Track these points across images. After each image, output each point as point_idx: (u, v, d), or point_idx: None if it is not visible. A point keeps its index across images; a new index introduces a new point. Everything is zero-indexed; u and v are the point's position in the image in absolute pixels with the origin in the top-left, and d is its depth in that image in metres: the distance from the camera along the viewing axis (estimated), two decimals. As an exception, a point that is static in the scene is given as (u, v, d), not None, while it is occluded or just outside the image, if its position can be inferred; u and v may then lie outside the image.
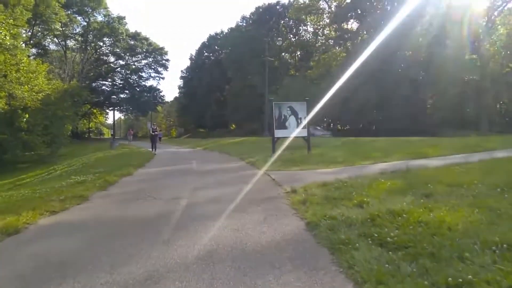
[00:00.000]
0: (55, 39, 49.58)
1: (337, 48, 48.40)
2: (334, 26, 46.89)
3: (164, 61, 56.89)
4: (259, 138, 28.18)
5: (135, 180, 9.38)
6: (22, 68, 25.96)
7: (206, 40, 64.46)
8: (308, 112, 13.62)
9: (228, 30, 58.26)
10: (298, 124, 13.55)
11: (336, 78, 46.80)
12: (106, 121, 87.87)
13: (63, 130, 28.23)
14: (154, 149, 19.67)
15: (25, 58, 29.13)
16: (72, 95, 30.71)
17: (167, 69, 60.35)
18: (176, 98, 76.52)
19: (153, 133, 20.61)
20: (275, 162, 11.67)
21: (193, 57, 66.33)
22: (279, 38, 50.13)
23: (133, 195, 7.09)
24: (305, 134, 13.71)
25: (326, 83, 48.66)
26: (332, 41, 49.63)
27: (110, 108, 57.66)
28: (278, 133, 13.37)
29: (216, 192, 7.23)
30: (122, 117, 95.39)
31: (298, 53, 53.98)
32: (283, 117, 13.42)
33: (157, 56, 55.58)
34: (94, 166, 13.69)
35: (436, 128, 35.52)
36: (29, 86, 27.03)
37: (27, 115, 25.05)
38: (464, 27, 33.99)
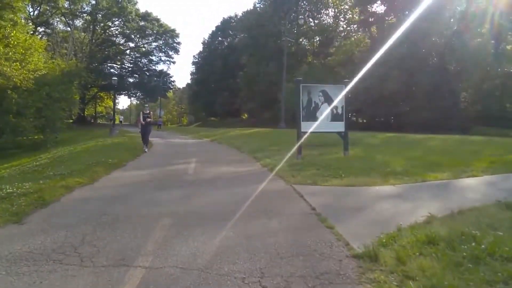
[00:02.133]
0: (62, 17, 46.36)
1: (360, 33, 44.05)
2: (358, 9, 42.47)
3: (175, 44, 53.16)
4: (274, 130, 24.42)
5: (85, 197, 5.87)
6: (11, 42, 22.70)
7: (220, 23, 60.52)
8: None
9: (243, 13, 54.15)
10: (332, 115, 9.89)
11: (358, 66, 42.79)
12: (117, 106, 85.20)
13: (59, 114, 24.98)
14: (145, 145, 13.19)
15: (20, 34, 25.99)
16: (70, 75, 27.40)
17: (178, 53, 56.60)
18: (188, 84, 73.02)
19: (145, 121, 13.02)
20: (303, 168, 8.11)
21: (206, 41, 62.54)
22: (298, 20, 45.77)
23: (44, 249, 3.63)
24: (341, 128, 10.04)
25: (347, 71, 44.51)
26: (355, 25, 45.25)
27: (119, 92, 54.54)
28: (306, 126, 9.71)
29: (207, 248, 3.63)
30: (134, 103, 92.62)
31: (317, 38, 49.68)
32: (313, 104, 9.76)
33: (168, 39, 51.84)
34: (66, 161, 10.33)
35: (469, 124, 31.43)
36: (21, 63, 23.85)
37: (15, 96, 21.86)
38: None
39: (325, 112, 9.82)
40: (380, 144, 13.06)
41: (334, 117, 9.91)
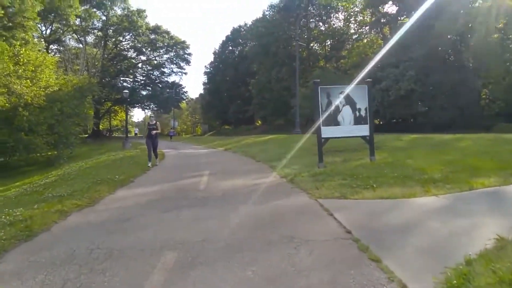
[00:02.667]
0: (74, 35, 46.80)
1: (372, 33, 42.96)
2: (370, 10, 41.44)
3: (186, 55, 52.96)
4: (289, 136, 23.38)
5: (80, 224, 5.11)
6: (21, 60, 22.57)
7: (230, 33, 60.24)
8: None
9: (252, 22, 53.68)
10: (355, 118, 8.96)
11: (372, 67, 41.62)
12: (131, 119, 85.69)
13: (72, 129, 24.70)
14: (149, 159, 11.82)
15: (31, 52, 25.99)
16: (82, 91, 27.19)
17: (190, 64, 56.29)
18: (200, 94, 72.85)
19: (150, 130, 12.00)
20: (327, 178, 7.19)
21: (216, 51, 62.33)
22: (309, 23, 44.93)
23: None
24: (366, 132, 9.08)
25: (361, 74, 43.37)
26: (367, 27, 44.15)
27: (133, 105, 54.60)
28: (327, 131, 8.80)
29: None
30: (148, 114, 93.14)
31: (328, 42, 48.76)
32: (333, 107, 8.85)
33: (179, 50, 51.68)
34: (72, 178, 9.66)
35: (492, 121, 29.89)
36: (32, 81, 23.73)
37: (26, 113, 21.65)
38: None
39: (347, 115, 8.90)
40: (407, 146, 11.98)
41: (357, 120, 8.97)
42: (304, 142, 16.68)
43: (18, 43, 27.62)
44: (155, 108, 53.72)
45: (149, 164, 11.59)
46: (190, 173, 9.81)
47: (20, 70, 21.90)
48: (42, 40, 45.23)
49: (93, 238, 4.19)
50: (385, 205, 5.14)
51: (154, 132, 11.81)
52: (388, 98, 36.22)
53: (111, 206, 6.06)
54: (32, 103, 23.18)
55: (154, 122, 12.09)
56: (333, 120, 8.87)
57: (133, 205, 6.00)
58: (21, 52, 23.24)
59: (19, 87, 21.66)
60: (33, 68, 24.81)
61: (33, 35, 33.54)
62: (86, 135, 45.19)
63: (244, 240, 3.90)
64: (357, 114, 8.99)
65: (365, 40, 45.03)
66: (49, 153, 25.04)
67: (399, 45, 38.71)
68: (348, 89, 9.01)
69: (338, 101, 8.86)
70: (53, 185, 9.06)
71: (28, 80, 22.98)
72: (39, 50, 29.18)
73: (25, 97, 22.04)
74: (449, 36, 36.21)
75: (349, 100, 8.93)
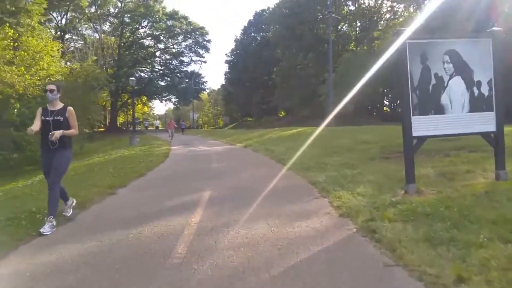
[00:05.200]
0: (90, 24, 44.04)
1: (411, 9, 37.53)
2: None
3: (205, 42, 49.11)
4: (321, 130, 18.74)
5: None
6: (7, 44, 19.29)
7: (252, 18, 55.85)
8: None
9: (275, 5, 48.98)
10: (472, 100, 4.79)
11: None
12: (152, 111, 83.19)
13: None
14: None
15: (30, 38, 22.96)
16: (87, 79, 23.91)
17: (209, 51, 52.13)
18: (222, 85, 68.98)
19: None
20: (436, 223, 3.13)
21: (238, 38, 58.14)
22: (338, 3, 40.04)
23: None
24: (490, 125, 4.87)
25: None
26: (403, 5, 38.78)
27: (151, 97, 51.56)
28: (422, 124, 4.66)
29: None
30: (170, 107, 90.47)
31: (358, 23, 43.64)
32: (433, 80, 4.69)
33: (197, 37, 47.89)
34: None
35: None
36: (28, 69, 20.65)
37: (18, 105, 18.54)
38: None
39: (458, 93, 4.73)
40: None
41: (476, 103, 4.78)
42: (346, 137, 12.50)
43: (23, 30, 24.74)
44: (174, 99, 50.39)
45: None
46: (184, 196, 5.78)
47: (7, 56, 18.72)
48: (58, 30, 42.75)
49: None
50: None
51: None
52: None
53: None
54: (26, 93, 20.08)
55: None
56: (433, 104, 4.70)
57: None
58: (22, 38, 20.24)
59: (8, 75, 18.52)
60: (31, 55, 21.77)
61: (40, 21, 30.46)
62: (102, 129, 42.58)
63: None
64: (476, 92, 4.79)
65: (400, 19, 39.71)
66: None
67: (442, 20, 33.28)
68: (459, 44, 4.80)
69: (442, 67, 4.69)
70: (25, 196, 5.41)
71: (22, 68, 19.88)
72: (43, 37, 26.00)
73: (16, 86, 18.90)
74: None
75: (461, 66, 4.74)
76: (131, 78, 21.50)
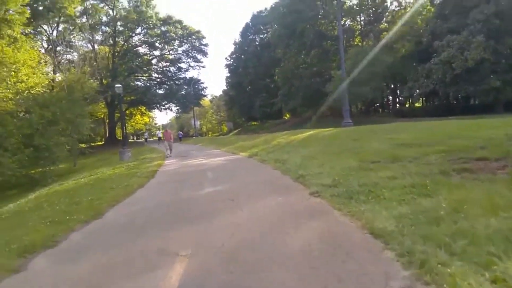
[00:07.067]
0: (82, 34, 41.76)
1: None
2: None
3: (202, 46, 46.42)
4: (341, 131, 15.56)
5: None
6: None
7: (249, 20, 53.42)
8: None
9: (273, 4, 46.37)
10: None
11: (424, 38, 33.49)
12: (153, 122, 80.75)
13: (56, 139, 18.84)
14: None
15: (5, 48, 20.58)
16: (71, 90, 21.35)
17: (207, 56, 49.07)
18: (224, 90, 66.35)
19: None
20: None
21: (237, 41, 55.69)
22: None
23: None
24: None
25: (410, 46, 35.27)
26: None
27: (150, 107, 49.03)
28: None
29: None
30: (173, 116, 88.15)
31: (362, 17, 40.97)
32: None
33: (194, 41, 45.29)
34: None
35: None
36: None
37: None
38: None
39: None
40: None
41: None
42: (377, 141, 9.66)
43: (5, 41, 22.33)
44: (174, 107, 47.80)
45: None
46: (149, 261, 3.13)
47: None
48: (50, 44, 40.50)
49: None
50: None
51: None
52: (450, 72, 28.29)
53: None
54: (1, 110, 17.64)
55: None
56: None
57: None
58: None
59: (-24, 89, 16.06)
60: (8, 66, 19.38)
61: (24, 33, 27.99)
62: (100, 143, 40.19)
63: None
64: None
65: (408, 9, 37.08)
66: (33, 171, 19.37)
67: (457, 5, 30.40)
68: None
69: None
70: None
71: (-7, 81, 17.45)
72: (22, 47, 23.55)
73: (-15, 102, 16.43)
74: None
75: None
76: (117, 85, 18.82)
